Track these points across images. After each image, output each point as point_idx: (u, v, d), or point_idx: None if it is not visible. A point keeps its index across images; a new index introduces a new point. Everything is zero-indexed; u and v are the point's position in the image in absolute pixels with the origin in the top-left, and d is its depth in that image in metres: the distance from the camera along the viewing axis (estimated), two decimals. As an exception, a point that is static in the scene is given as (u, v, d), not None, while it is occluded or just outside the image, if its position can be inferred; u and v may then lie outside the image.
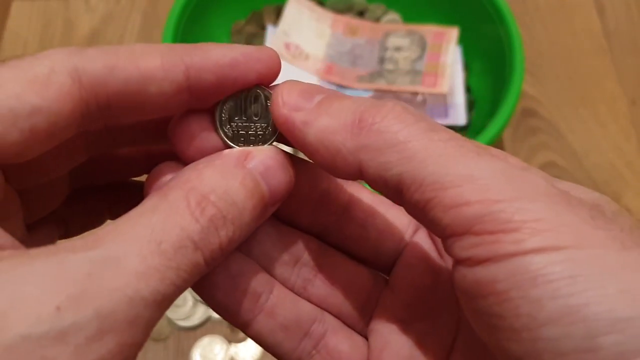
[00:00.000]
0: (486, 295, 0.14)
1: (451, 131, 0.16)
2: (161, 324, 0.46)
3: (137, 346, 0.14)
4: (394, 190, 0.16)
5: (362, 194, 0.20)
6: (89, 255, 0.13)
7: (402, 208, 0.17)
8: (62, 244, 0.14)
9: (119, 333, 0.13)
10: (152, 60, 0.16)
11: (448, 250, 0.15)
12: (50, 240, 0.20)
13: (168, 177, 0.18)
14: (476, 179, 0.14)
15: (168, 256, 0.14)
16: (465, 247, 0.14)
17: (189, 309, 0.46)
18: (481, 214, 0.14)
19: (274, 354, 0.20)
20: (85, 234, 0.14)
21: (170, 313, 0.46)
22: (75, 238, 0.14)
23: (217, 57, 0.16)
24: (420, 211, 0.15)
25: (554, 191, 0.15)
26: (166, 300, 0.14)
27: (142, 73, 0.16)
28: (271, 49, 0.17)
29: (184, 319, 0.46)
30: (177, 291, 0.14)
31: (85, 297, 0.13)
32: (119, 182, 0.22)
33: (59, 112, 0.15)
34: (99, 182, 0.22)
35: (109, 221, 0.22)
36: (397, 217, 0.21)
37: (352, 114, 0.16)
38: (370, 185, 0.16)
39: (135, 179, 0.22)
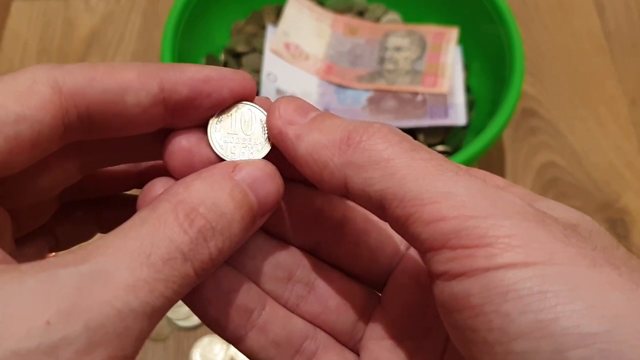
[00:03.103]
0: (461, 309, 0.15)
1: (433, 151, 0.16)
2: (161, 324, 0.46)
3: (128, 358, 0.14)
4: (377, 205, 0.16)
5: (355, 212, 0.21)
6: (79, 269, 0.13)
7: None
8: (53, 259, 0.14)
9: (108, 346, 0.13)
10: (129, 73, 0.17)
11: (427, 264, 0.16)
12: (39, 254, 0.20)
13: (159, 191, 0.18)
14: (453, 196, 0.15)
15: (157, 268, 0.14)
16: (442, 261, 0.15)
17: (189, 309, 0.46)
18: (457, 229, 0.14)
19: None
20: (75, 248, 0.14)
21: (170, 313, 0.46)
22: (65, 252, 0.14)
23: (192, 72, 0.17)
24: (401, 226, 0.16)
25: (529, 209, 0.15)
26: (156, 312, 0.14)
27: (120, 84, 0.16)
28: (246, 73, 0.18)
29: (184, 319, 0.46)
30: (168, 303, 0.15)
31: (75, 311, 0.13)
32: (108, 195, 0.22)
33: (42, 121, 0.15)
34: (88, 196, 0.22)
35: (98, 235, 0.22)
36: (389, 236, 0.21)
37: (341, 132, 0.17)
38: (355, 201, 0.17)
39: (125, 192, 0.23)
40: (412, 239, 0.16)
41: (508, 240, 0.14)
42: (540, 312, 0.13)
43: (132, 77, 0.16)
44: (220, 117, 0.18)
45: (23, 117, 0.15)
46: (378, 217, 0.17)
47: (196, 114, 0.18)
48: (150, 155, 0.20)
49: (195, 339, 0.45)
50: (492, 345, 0.14)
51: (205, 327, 0.46)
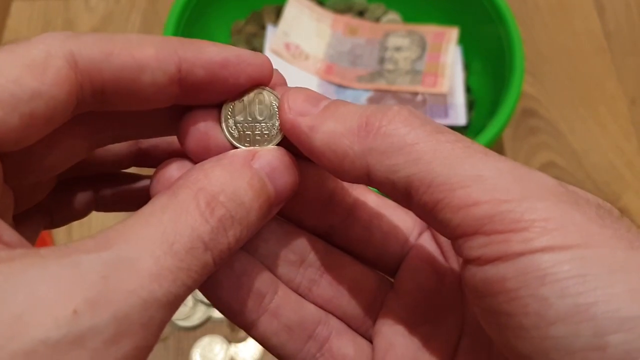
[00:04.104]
0: (496, 294, 0.14)
1: (457, 133, 0.16)
2: (161, 324, 0.46)
3: (150, 348, 0.14)
4: (402, 192, 0.16)
5: (368, 196, 0.20)
6: (103, 256, 0.13)
7: (407, 210, 0.17)
8: (73, 244, 0.13)
9: (134, 336, 0.13)
10: (147, 50, 0.16)
11: (458, 250, 0.15)
12: (35, 232, 0.20)
13: (175, 174, 0.18)
14: (484, 179, 0.14)
15: (180, 257, 0.14)
16: (475, 246, 0.14)
17: (189, 309, 0.46)
18: (490, 214, 0.14)
19: (277, 356, 0.20)
20: (95, 233, 0.14)
21: (170, 313, 0.45)
22: (85, 238, 0.14)
23: (210, 54, 0.17)
24: (429, 213, 0.15)
25: (562, 190, 0.15)
26: (177, 300, 0.14)
27: (137, 61, 0.16)
28: (265, 55, 0.18)
29: (184, 319, 0.46)
30: (188, 291, 0.14)
31: (102, 300, 0.13)
32: (106, 173, 0.22)
33: (57, 96, 0.15)
34: (85, 174, 0.22)
35: (118, 220, 0.22)
36: (401, 220, 0.21)
37: (358, 118, 0.16)
38: (378, 189, 0.16)
39: (122, 171, 0.22)
40: (441, 225, 0.15)
41: (544, 224, 0.14)
42: (579, 296, 0.13)
43: (150, 55, 0.16)
44: (235, 102, 0.18)
45: (38, 94, 0.14)
46: (401, 204, 0.16)
47: (211, 95, 0.18)
48: (160, 132, 0.20)
49: (195, 339, 0.45)
50: (528, 330, 0.14)
51: (205, 327, 0.46)
